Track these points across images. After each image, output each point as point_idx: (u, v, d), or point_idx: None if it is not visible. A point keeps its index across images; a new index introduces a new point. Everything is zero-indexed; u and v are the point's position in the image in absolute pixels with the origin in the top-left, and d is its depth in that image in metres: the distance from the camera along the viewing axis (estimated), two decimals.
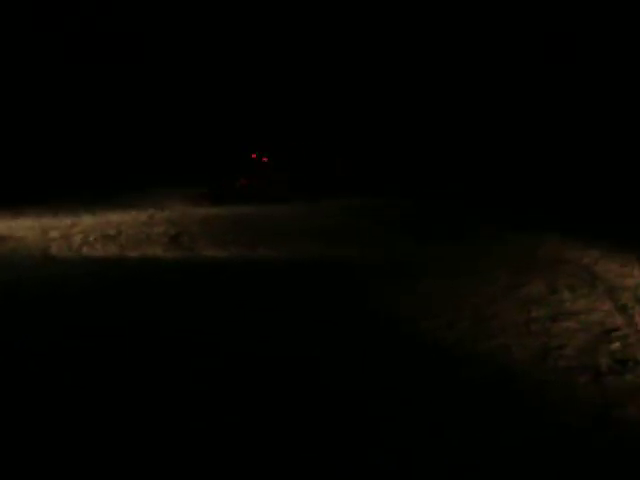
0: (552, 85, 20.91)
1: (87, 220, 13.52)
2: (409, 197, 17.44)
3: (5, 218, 13.41)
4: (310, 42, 22.66)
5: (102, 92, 22.60)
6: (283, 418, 4.47)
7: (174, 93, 23.08)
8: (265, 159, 19.56)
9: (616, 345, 5.81)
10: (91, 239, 11.21)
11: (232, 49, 23.05)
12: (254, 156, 19.49)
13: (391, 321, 6.74)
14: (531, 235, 11.83)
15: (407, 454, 3.98)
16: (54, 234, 11.64)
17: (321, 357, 5.63)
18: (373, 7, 22.16)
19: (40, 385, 5.03)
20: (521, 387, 4.95)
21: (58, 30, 21.33)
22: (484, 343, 5.97)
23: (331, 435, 4.23)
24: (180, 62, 23.19)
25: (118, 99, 22.76)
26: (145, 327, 6.48)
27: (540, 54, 20.83)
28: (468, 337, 6.15)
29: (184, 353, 5.75)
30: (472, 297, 7.62)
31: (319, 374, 5.27)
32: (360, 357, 5.65)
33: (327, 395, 4.85)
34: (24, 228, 12.24)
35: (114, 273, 8.79)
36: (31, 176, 19.14)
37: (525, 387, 4.94)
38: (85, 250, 10.27)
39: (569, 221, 12.94)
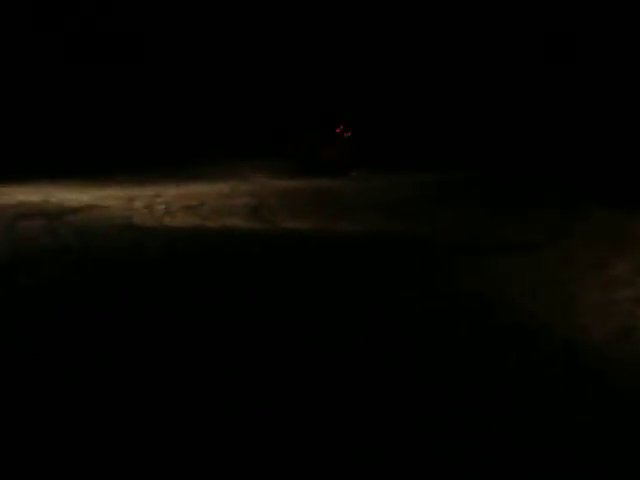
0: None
1: (170, 191, 13.75)
2: (483, 172, 17.12)
3: (93, 188, 13.75)
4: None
5: (179, 69, 22.88)
6: (383, 405, 4.45)
7: (254, 64, 23.16)
8: (347, 133, 19.48)
9: None
10: (173, 209, 11.40)
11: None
12: (338, 130, 19.43)
13: (469, 300, 6.63)
14: (616, 211, 11.45)
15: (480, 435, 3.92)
16: (138, 204, 11.88)
17: (417, 336, 5.60)
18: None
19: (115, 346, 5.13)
20: (597, 368, 4.80)
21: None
22: (562, 323, 5.82)
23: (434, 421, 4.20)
24: (262, 35, 23.26)
25: (196, 73, 22.98)
26: (215, 296, 6.54)
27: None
28: (547, 317, 6.00)
29: (259, 326, 5.77)
30: (552, 276, 7.44)
31: (416, 353, 5.23)
32: (427, 328, 5.58)
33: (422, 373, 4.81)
34: (110, 198, 12.53)
35: (192, 243, 8.90)
36: (118, 149, 19.57)
37: (601, 368, 4.79)
38: (167, 220, 10.44)
39: None
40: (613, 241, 9.37)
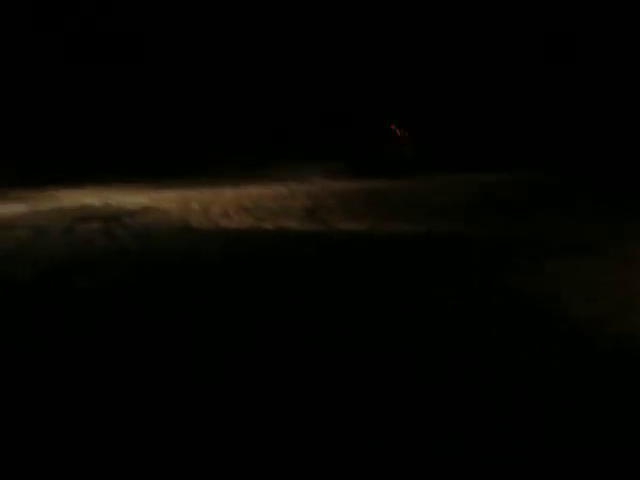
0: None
1: (228, 193, 13.82)
2: (537, 172, 16.90)
3: (149, 190, 13.89)
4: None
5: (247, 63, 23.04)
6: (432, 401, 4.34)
7: (310, 66, 23.23)
8: (404, 131, 19.41)
9: None
10: (230, 212, 11.42)
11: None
12: (392, 126, 19.36)
13: (528, 298, 6.46)
14: None
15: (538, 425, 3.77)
16: (195, 206, 11.95)
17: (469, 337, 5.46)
18: None
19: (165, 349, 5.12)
20: None
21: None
22: (620, 322, 5.61)
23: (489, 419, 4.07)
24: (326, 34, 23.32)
25: (266, 72, 23.12)
26: (264, 297, 6.49)
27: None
28: (604, 315, 5.80)
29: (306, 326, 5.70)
30: (611, 276, 7.21)
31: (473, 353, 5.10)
32: (494, 332, 5.43)
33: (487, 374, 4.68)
34: (167, 200, 12.64)
35: (247, 245, 8.89)
36: (173, 151, 19.81)
37: None
38: (223, 222, 10.46)
39: None
40: None
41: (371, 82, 23.01)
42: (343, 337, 5.38)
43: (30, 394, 4.33)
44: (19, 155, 18.41)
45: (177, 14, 22.55)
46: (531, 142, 20.38)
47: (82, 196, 12.79)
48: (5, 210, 11.79)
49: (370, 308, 6.17)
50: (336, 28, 23.18)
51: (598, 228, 9.98)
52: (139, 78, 22.19)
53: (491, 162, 18.64)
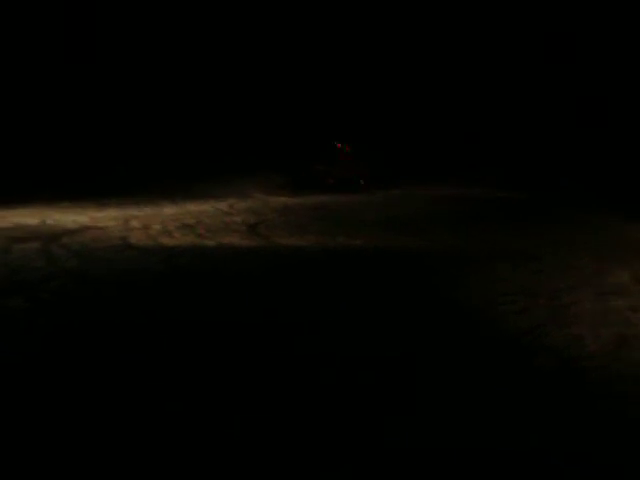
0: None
1: (168, 210, 13.75)
2: (488, 186, 17.27)
3: (90, 209, 13.74)
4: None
5: (179, 78, 22.97)
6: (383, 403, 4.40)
7: (256, 81, 23.28)
8: (348, 148, 19.54)
9: None
10: (170, 228, 11.38)
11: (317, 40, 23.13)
12: (339, 145, 19.49)
13: (466, 307, 6.59)
14: (621, 222, 11.54)
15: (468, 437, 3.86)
16: (135, 224, 11.86)
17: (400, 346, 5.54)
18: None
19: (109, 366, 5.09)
20: (590, 379, 4.73)
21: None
22: (558, 331, 5.76)
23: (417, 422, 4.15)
24: (263, 48, 23.38)
25: (198, 86, 23.08)
26: (203, 316, 6.50)
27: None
28: (542, 324, 5.95)
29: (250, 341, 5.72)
30: (552, 284, 7.41)
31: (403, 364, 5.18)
32: (430, 341, 5.52)
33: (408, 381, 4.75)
34: (107, 218, 12.51)
35: (187, 261, 8.87)
36: (114, 169, 19.63)
37: (594, 379, 4.72)
38: (163, 239, 10.41)
39: None
40: (614, 249, 9.39)
41: (318, 97, 23.14)
42: (283, 345, 5.43)
43: None
44: None
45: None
46: (494, 155, 20.74)
47: (19, 216, 12.58)
48: None
49: (307, 320, 6.23)
50: (282, 41, 23.28)
51: (538, 239, 10.26)
52: (81, 96, 21.97)
53: (451, 176, 19.02)
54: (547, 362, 5.05)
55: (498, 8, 21.51)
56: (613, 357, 5.11)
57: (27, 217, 12.48)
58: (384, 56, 22.89)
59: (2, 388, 4.74)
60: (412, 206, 14.68)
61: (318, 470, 3.58)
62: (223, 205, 14.57)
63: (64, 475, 3.60)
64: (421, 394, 4.55)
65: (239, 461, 3.70)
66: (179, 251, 9.49)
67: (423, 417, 4.19)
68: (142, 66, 22.55)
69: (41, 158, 19.53)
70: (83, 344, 5.59)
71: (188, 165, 20.34)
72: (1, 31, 21.04)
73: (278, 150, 20.82)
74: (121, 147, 20.92)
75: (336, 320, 6.24)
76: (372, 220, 12.63)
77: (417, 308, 6.63)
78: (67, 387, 4.73)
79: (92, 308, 6.70)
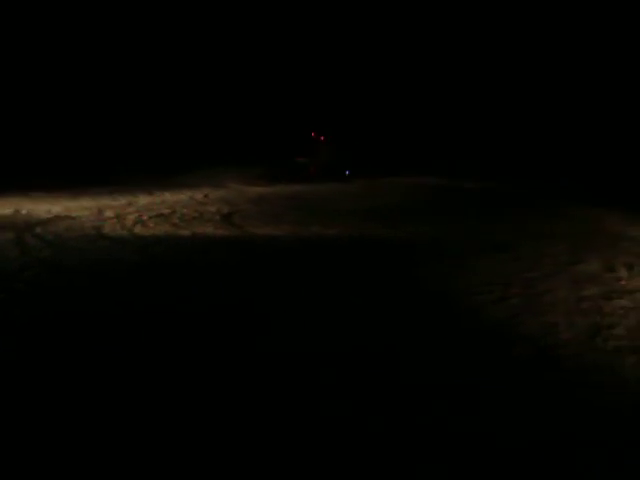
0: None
1: (143, 200, 13.65)
2: (467, 179, 17.32)
3: (64, 199, 13.62)
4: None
5: (164, 73, 22.84)
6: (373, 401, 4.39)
7: (231, 74, 23.18)
8: (323, 138, 19.49)
9: None
10: (144, 218, 11.29)
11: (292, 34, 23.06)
12: (314, 134, 19.44)
13: (442, 296, 6.60)
14: (594, 211, 11.65)
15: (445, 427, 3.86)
16: (109, 213, 11.76)
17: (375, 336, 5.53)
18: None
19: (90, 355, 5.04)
20: (566, 367, 4.74)
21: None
22: (533, 320, 5.78)
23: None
24: (241, 44, 23.28)
25: (177, 80, 22.97)
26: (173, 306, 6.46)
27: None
28: (518, 313, 5.97)
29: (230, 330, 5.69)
30: (527, 273, 7.44)
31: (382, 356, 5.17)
32: (409, 332, 5.51)
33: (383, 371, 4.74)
34: (81, 208, 12.40)
35: (161, 251, 8.80)
36: (90, 159, 19.48)
37: (570, 368, 4.74)
38: (137, 229, 10.32)
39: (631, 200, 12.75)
40: (591, 239, 9.46)
41: (294, 88, 23.07)
42: (255, 339, 5.41)
43: None
44: None
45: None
46: (477, 148, 20.78)
47: None
48: None
49: (282, 311, 6.21)
50: (263, 35, 23.20)
51: (519, 230, 10.29)
52: (59, 89, 21.76)
53: (440, 169, 19.04)
54: (524, 351, 5.06)
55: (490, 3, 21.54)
56: (588, 346, 5.13)
57: (0, 207, 12.34)
58: (367, 47, 22.83)
59: None
60: (392, 196, 14.66)
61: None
62: (198, 195, 14.49)
63: (39, 466, 3.56)
64: (404, 386, 4.55)
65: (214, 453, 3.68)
66: (153, 241, 9.42)
67: (406, 409, 4.18)
68: (122, 62, 22.37)
69: (18, 149, 19.34)
70: (59, 336, 5.52)
71: (163, 157, 20.26)
72: (1, 31, 20.82)
73: (252, 142, 20.77)
74: (102, 144, 20.80)
75: (311, 310, 6.22)
76: (347, 210, 12.61)
77: (394, 298, 6.62)
78: (44, 379, 4.67)
79: (67, 299, 6.63)
